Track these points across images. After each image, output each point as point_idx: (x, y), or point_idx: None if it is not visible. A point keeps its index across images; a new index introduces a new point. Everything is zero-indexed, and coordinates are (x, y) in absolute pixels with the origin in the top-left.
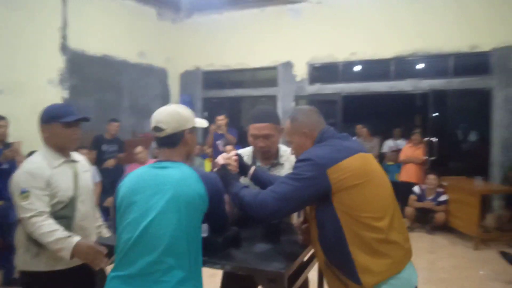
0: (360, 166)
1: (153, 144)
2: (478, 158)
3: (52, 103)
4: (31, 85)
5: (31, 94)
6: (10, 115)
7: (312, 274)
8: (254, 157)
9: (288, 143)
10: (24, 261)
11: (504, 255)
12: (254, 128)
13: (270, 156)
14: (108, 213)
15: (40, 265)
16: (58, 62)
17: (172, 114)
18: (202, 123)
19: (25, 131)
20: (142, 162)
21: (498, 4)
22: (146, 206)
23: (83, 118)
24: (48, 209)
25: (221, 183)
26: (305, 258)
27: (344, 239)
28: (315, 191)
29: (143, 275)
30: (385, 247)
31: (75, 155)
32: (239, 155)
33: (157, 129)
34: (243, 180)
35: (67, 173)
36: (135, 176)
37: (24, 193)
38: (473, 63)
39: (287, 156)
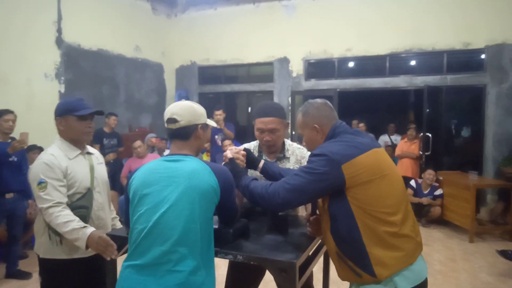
0: (374, 162)
1: (149, 135)
2: (471, 153)
3: (49, 97)
4: (27, 79)
5: (26, 87)
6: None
7: (315, 267)
8: (260, 151)
9: (300, 136)
10: (45, 248)
11: (503, 253)
12: (261, 122)
13: (276, 150)
14: None
15: (61, 253)
16: (54, 56)
17: (187, 107)
18: (211, 122)
19: (22, 125)
20: (141, 156)
21: (492, 2)
22: (159, 197)
23: (97, 112)
24: (65, 200)
25: (231, 175)
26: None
27: (358, 232)
28: (329, 186)
29: (156, 265)
30: (398, 241)
31: (90, 148)
32: (247, 150)
33: (172, 120)
34: (252, 173)
35: (83, 164)
36: (148, 169)
37: (42, 184)
38: (467, 60)
39: (292, 149)
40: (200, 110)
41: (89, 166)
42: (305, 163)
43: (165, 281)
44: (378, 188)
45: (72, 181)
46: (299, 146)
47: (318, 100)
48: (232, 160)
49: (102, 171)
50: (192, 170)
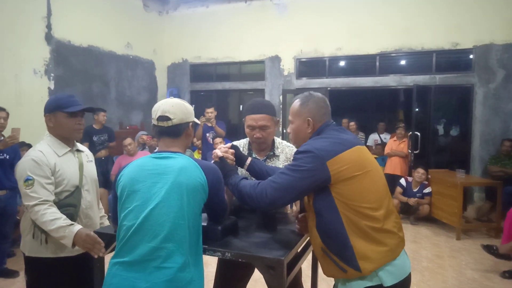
0: (358, 159)
1: (139, 133)
2: (459, 152)
3: (38, 93)
4: (16, 75)
5: (16, 84)
6: None
7: (304, 264)
8: (250, 148)
9: (288, 122)
10: (31, 247)
11: (487, 248)
12: (251, 119)
13: (266, 147)
14: None
15: (47, 252)
16: (43, 52)
17: (179, 105)
18: (197, 121)
19: (11, 121)
20: (131, 154)
21: (480, 3)
22: (147, 194)
23: (87, 108)
24: (52, 198)
25: (220, 173)
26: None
27: (343, 227)
28: (315, 182)
29: (145, 261)
30: (382, 236)
31: (79, 146)
32: (235, 147)
33: (164, 118)
34: (239, 172)
35: (72, 162)
36: (136, 166)
37: (29, 181)
38: (455, 60)
39: (282, 147)
40: (190, 108)
41: (78, 164)
42: None
43: (153, 277)
44: (361, 184)
45: (61, 179)
46: (288, 144)
47: (319, 95)
48: (222, 158)
49: (91, 169)
50: (181, 167)
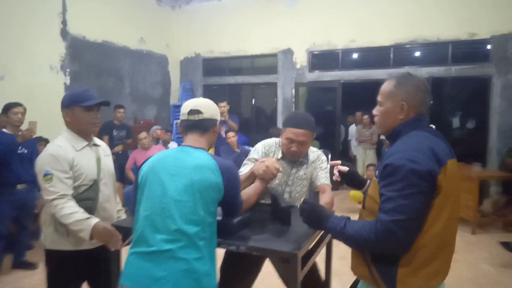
0: (456, 177)
1: (154, 127)
2: (476, 144)
3: (54, 89)
4: (32, 71)
5: (32, 80)
6: (12, 100)
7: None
8: (282, 152)
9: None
10: (52, 240)
11: (506, 245)
12: (292, 133)
13: (298, 158)
14: None
15: (68, 244)
16: (59, 48)
17: (210, 103)
18: None
19: (28, 117)
20: (145, 148)
21: None
22: (164, 186)
23: (103, 102)
24: (70, 192)
25: (237, 172)
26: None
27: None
28: (429, 195)
29: (159, 252)
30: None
31: (96, 140)
32: (351, 171)
33: (195, 111)
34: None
35: (90, 156)
36: (158, 157)
37: (47, 176)
38: (472, 50)
39: (312, 157)
40: (217, 107)
41: (96, 158)
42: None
43: (169, 267)
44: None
45: (79, 173)
46: (313, 149)
47: (420, 78)
48: (312, 203)
49: (108, 163)
50: (197, 165)
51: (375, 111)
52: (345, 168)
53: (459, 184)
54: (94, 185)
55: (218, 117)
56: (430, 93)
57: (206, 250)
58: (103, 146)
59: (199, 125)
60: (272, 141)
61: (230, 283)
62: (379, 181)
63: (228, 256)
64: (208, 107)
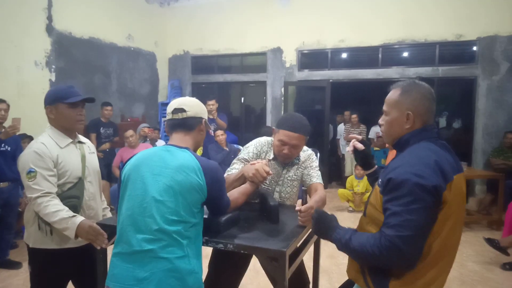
0: (462, 192)
1: (141, 125)
2: (461, 144)
3: (39, 85)
4: (17, 67)
5: (17, 76)
6: None
7: (305, 256)
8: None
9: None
10: (35, 238)
11: (490, 241)
12: (285, 135)
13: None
14: None
15: (52, 243)
16: (44, 44)
17: (195, 101)
18: None
19: (12, 114)
20: (132, 146)
21: None
22: (146, 185)
23: (87, 99)
24: (54, 190)
25: (221, 172)
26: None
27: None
28: (434, 210)
29: (141, 252)
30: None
31: (81, 137)
32: (366, 151)
33: (180, 110)
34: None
35: (74, 153)
36: (142, 155)
37: (31, 173)
38: (459, 51)
39: (303, 157)
40: (204, 107)
41: (81, 155)
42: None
43: (152, 267)
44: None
45: (63, 170)
46: (304, 148)
47: (426, 86)
48: (322, 213)
49: (93, 160)
50: (180, 165)
51: (381, 121)
52: (361, 146)
53: (464, 197)
54: (79, 183)
55: (205, 116)
56: (435, 101)
57: (190, 249)
58: (87, 143)
59: (183, 124)
60: (264, 141)
61: (218, 279)
62: (383, 194)
63: (216, 252)
64: (192, 106)
